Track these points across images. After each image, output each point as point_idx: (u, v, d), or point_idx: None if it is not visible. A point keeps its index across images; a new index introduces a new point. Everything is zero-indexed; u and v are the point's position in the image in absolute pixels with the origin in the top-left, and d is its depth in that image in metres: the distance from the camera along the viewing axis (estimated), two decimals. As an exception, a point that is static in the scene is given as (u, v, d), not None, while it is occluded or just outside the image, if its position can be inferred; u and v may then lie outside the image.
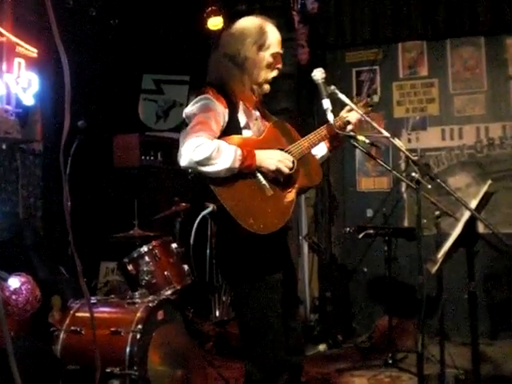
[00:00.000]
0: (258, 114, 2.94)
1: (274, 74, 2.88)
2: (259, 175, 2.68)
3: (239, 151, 2.57)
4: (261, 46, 2.81)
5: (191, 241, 2.82)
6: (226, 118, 2.73)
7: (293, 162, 2.76)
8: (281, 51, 2.89)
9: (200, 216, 2.65)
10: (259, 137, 2.82)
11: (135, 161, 6.23)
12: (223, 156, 2.53)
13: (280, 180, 2.72)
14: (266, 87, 2.89)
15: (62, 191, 1.79)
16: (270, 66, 2.85)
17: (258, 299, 2.72)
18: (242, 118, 2.81)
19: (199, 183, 2.64)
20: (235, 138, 2.68)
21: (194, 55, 6.62)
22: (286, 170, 2.69)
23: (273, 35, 2.86)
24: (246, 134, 2.79)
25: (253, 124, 2.86)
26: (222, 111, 2.71)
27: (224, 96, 2.75)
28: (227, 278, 3.02)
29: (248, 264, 2.74)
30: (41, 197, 5.72)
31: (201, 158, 2.50)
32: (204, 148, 2.51)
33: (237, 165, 2.56)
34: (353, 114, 2.96)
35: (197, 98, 2.74)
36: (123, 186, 6.21)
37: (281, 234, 2.91)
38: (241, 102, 2.82)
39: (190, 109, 2.73)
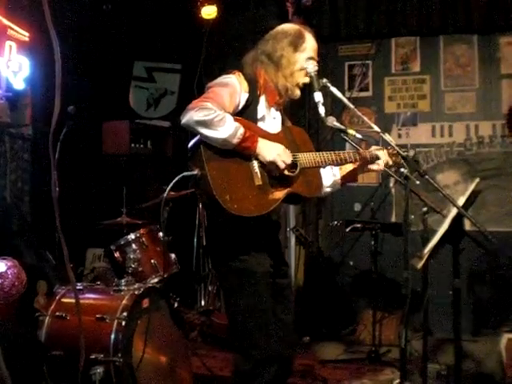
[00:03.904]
0: (278, 115, 2.94)
1: (306, 80, 2.86)
2: (255, 162, 2.66)
3: (242, 130, 2.58)
4: (296, 47, 2.83)
5: (164, 194, 2.77)
6: (243, 101, 2.75)
7: (295, 165, 2.74)
8: (316, 58, 2.88)
9: (180, 175, 2.64)
10: (271, 132, 2.82)
11: (124, 148, 6.20)
12: (224, 126, 2.54)
13: (275, 175, 2.70)
14: (297, 92, 2.88)
15: (51, 176, 1.78)
16: (303, 70, 2.84)
17: (246, 292, 2.72)
18: (260, 110, 2.82)
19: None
20: (246, 121, 2.68)
21: (187, 44, 6.60)
22: (282, 165, 2.66)
23: (310, 41, 2.88)
24: (261, 126, 2.80)
25: (270, 121, 2.87)
26: (240, 91, 2.73)
27: (249, 84, 2.78)
28: (215, 266, 3.01)
29: (235, 253, 2.74)
30: (29, 181, 5.69)
31: (201, 118, 2.53)
32: (208, 111, 2.54)
33: (234, 141, 2.57)
34: (383, 155, 2.95)
35: (220, 76, 2.78)
36: (112, 173, 6.19)
37: (271, 227, 2.92)
38: (263, 96, 2.84)
39: (210, 83, 2.77)
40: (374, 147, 3.00)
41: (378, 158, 2.96)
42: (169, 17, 6.48)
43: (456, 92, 6.15)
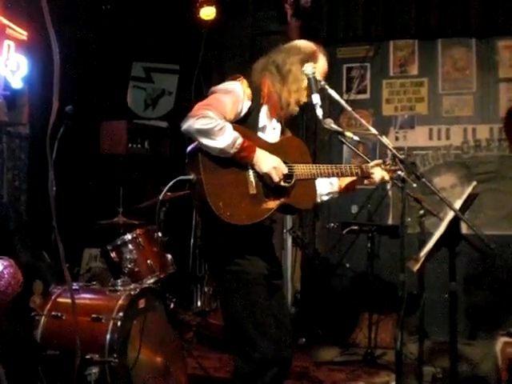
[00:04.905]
0: (278, 126, 2.95)
1: (306, 99, 2.86)
2: (251, 171, 2.68)
3: (240, 140, 2.59)
4: None
5: (160, 197, 2.80)
6: (245, 110, 2.75)
7: (290, 177, 2.75)
8: (322, 81, 2.86)
9: (176, 179, 2.66)
10: (270, 142, 2.82)
11: (122, 148, 6.21)
12: (223, 136, 2.55)
13: (270, 186, 2.71)
14: (296, 109, 2.89)
15: (48, 176, 1.78)
16: (306, 90, 2.84)
17: (243, 294, 2.72)
18: (262, 120, 2.82)
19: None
20: (246, 130, 2.69)
21: (186, 45, 6.60)
22: (276, 179, 2.67)
23: (321, 63, 2.89)
24: (261, 136, 2.81)
25: (270, 132, 2.87)
26: (243, 99, 2.73)
27: (253, 91, 2.77)
28: (212, 271, 3.02)
29: (229, 257, 2.74)
30: (26, 180, 5.68)
31: (201, 127, 2.54)
32: (209, 120, 2.55)
33: (232, 151, 2.58)
34: (378, 172, 2.98)
35: (225, 82, 2.79)
36: (109, 172, 6.19)
37: (264, 233, 2.92)
38: (266, 106, 2.84)
39: (214, 88, 2.77)
40: (371, 163, 3.00)
41: (368, 176, 3.00)
42: (167, 17, 6.48)
43: (454, 95, 6.16)
